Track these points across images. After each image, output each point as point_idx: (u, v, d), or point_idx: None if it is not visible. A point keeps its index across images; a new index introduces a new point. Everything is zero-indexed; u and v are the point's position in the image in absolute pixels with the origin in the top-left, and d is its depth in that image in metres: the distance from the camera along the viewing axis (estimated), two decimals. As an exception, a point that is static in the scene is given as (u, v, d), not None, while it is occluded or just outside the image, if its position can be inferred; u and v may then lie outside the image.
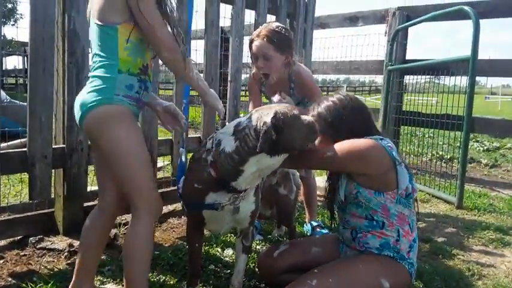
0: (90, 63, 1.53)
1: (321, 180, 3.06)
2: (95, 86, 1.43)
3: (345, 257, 1.79)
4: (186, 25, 1.92)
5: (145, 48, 1.50)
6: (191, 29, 2.03)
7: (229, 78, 3.25)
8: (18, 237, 2.29)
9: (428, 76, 4.69)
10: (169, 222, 2.78)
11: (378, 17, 5.01)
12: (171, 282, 1.93)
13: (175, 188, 1.79)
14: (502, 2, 4.26)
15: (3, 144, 3.14)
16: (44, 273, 1.95)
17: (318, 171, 3.47)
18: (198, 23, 5.25)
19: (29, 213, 2.35)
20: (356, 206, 1.69)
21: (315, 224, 2.63)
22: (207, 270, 2.05)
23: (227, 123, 1.84)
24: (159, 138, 2.83)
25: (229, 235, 2.47)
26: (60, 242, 2.27)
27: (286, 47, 2.24)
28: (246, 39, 2.70)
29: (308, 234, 2.62)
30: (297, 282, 1.58)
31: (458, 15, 3.66)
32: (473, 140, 6.97)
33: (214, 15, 2.98)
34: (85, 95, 1.44)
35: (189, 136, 3.03)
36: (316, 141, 1.65)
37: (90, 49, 1.71)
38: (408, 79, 4.92)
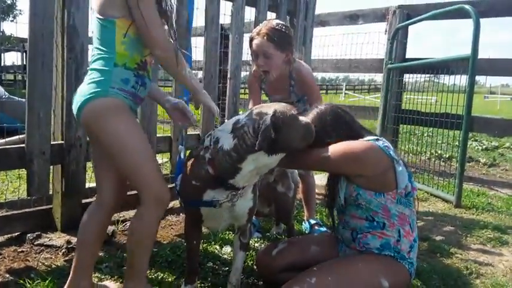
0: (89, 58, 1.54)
1: (319, 178, 3.06)
2: (92, 78, 1.45)
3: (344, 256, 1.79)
4: (187, 22, 1.91)
5: (143, 44, 1.50)
6: (191, 26, 2.02)
7: (228, 76, 3.24)
8: (16, 234, 2.28)
9: (428, 75, 4.69)
10: (168, 219, 2.78)
11: (378, 15, 5.01)
12: (169, 279, 1.93)
13: (174, 185, 1.79)
14: (503, 1, 4.26)
15: (2, 140, 3.14)
16: (41, 270, 1.94)
17: (317, 169, 3.46)
18: (198, 19, 5.25)
19: (26, 210, 2.35)
20: (356, 207, 1.69)
21: (313, 222, 2.63)
22: (205, 268, 2.05)
23: (226, 121, 1.84)
24: (158, 135, 2.82)
25: (227, 232, 2.47)
26: (58, 238, 2.26)
27: (286, 45, 2.23)
28: (246, 37, 2.69)
29: (307, 232, 2.62)
30: (296, 280, 1.58)
31: (458, 14, 3.67)
32: (472, 139, 6.97)
33: (215, 12, 2.97)
34: (82, 87, 1.47)
35: (188, 133, 3.02)
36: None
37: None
38: (408, 78, 4.92)
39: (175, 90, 2.86)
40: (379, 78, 9.75)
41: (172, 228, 2.65)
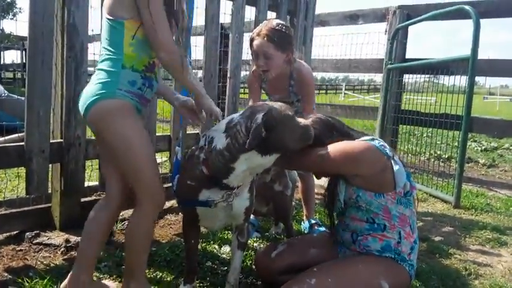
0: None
1: (319, 178, 3.06)
2: (100, 79, 1.46)
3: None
4: (187, 21, 1.91)
5: (151, 46, 1.50)
6: (191, 25, 2.02)
7: (228, 75, 3.24)
8: (15, 232, 2.27)
9: (428, 75, 4.69)
10: (167, 218, 2.77)
11: (379, 16, 5.00)
12: (168, 279, 1.93)
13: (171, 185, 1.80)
14: (503, 2, 4.26)
15: (1, 138, 3.13)
16: (40, 269, 1.94)
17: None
18: (198, 18, 5.24)
19: (25, 208, 2.34)
20: (356, 209, 1.68)
21: (313, 221, 2.63)
22: (204, 267, 2.05)
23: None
24: (157, 134, 2.82)
25: (226, 232, 2.47)
26: (56, 237, 2.26)
27: (286, 45, 2.23)
28: (246, 36, 2.69)
29: (306, 232, 2.61)
30: (296, 281, 1.58)
31: (458, 14, 3.66)
32: (471, 139, 6.98)
33: (215, 11, 2.97)
34: (90, 87, 1.48)
35: (187, 132, 3.01)
36: None
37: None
38: (407, 78, 4.92)
39: (176, 90, 2.85)
40: (378, 78, 9.76)
41: (171, 227, 2.64)
